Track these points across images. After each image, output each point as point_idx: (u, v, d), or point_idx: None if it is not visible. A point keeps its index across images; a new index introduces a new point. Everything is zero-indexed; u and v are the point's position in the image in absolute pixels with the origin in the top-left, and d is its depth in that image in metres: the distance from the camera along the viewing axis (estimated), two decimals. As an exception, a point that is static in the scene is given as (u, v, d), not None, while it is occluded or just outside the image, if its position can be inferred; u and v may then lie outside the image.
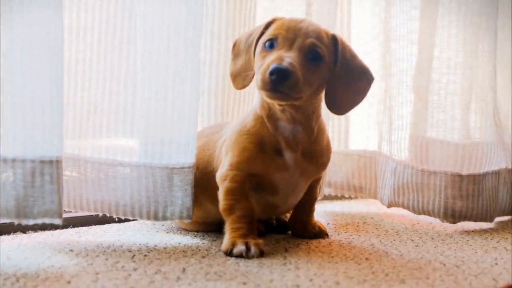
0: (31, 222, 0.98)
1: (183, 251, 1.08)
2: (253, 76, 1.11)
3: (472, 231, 1.39)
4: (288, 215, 1.30)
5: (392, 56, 1.49)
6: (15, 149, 0.97)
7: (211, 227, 1.24)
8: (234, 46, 1.17)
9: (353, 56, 1.13)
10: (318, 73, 1.07)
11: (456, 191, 1.39)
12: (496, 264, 1.06)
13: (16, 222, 0.98)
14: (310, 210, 1.25)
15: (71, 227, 1.25)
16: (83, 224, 1.27)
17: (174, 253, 1.06)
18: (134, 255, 1.03)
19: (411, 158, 1.46)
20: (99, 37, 1.17)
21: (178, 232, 1.25)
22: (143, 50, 1.14)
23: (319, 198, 1.37)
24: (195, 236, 1.22)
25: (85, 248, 1.07)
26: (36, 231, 1.19)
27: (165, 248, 1.10)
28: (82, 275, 0.90)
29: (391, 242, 1.22)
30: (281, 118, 1.11)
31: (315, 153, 1.14)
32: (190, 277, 0.91)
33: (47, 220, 0.99)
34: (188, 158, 1.15)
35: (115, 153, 1.16)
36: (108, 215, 1.16)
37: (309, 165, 1.14)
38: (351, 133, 1.68)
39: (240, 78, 1.14)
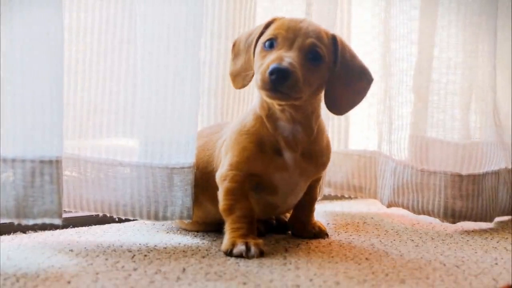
0: (31, 222, 0.98)
1: (183, 251, 1.08)
2: (253, 75, 1.11)
3: (472, 231, 1.39)
4: (288, 215, 1.30)
5: (392, 56, 1.49)
6: (15, 149, 0.97)
7: (211, 227, 1.24)
8: (233, 45, 1.17)
9: (353, 57, 1.13)
10: (318, 73, 1.07)
11: (456, 191, 1.39)
12: (496, 264, 1.06)
13: (16, 222, 0.98)
14: (310, 210, 1.25)
15: (71, 227, 1.25)
16: (83, 224, 1.27)
17: (174, 253, 1.06)
18: (134, 255, 1.03)
19: (411, 158, 1.46)
20: (99, 37, 1.17)
21: (178, 232, 1.26)
22: (143, 50, 1.14)
23: (319, 198, 1.37)
24: (195, 236, 1.22)
25: (85, 248, 1.07)
26: (36, 231, 1.19)
27: (165, 248, 1.10)
28: (82, 275, 0.90)
29: (391, 242, 1.22)
30: (280, 118, 1.11)
31: (314, 153, 1.14)
32: (190, 277, 0.91)
33: (47, 220, 0.99)
34: (188, 158, 1.15)
35: (115, 153, 1.16)
36: (108, 215, 1.16)
37: (308, 165, 1.14)
38: (351, 133, 1.68)
39: (240, 78, 1.14)
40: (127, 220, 1.29)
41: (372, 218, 1.50)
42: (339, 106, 1.14)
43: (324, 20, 1.41)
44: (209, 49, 1.35)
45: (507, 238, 1.31)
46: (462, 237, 1.30)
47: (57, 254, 1.02)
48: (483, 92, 1.47)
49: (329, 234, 1.26)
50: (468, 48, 1.45)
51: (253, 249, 1.04)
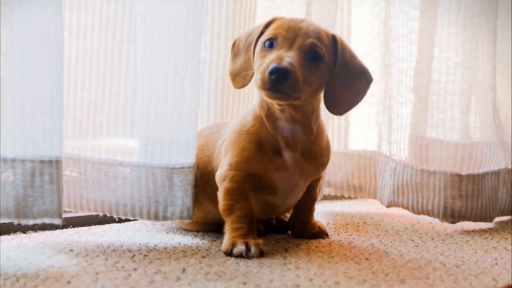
0: (31, 222, 0.98)
1: (183, 251, 1.08)
2: (253, 75, 1.11)
3: (472, 231, 1.39)
4: (288, 215, 1.30)
5: (392, 56, 1.49)
6: (15, 149, 0.97)
7: (211, 227, 1.24)
8: (233, 45, 1.17)
9: (353, 57, 1.13)
10: (317, 73, 1.07)
11: (455, 191, 1.39)
12: (496, 264, 1.06)
13: (16, 222, 0.98)
14: (310, 210, 1.25)
15: (71, 227, 1.25)
16: (83, 224, 1.27)
17: (174, 253, 1.06)
18: (134, 255, 1.03)
19: (411, 158, 1.46)
20: (99, 37, 1.17)
21: (178, 232, 1.26)
22: (143, 50, 1.14)
23: (319, 198, 1.37)
24: (195, 236, 1.22)
25: (85, 248, 1.07)
26: (36, 231, 1.19)
27: (165, 248, 1.10)
28: (82, 275, 0.90)
29: (391, 242, 1.22)
30: (280, 118, 1.11)
31: (314, 153, 1.14)
32: (190, 277, 0.91)
33: (47, 220, 0.99)
34: (188, 158, 1.15)
35: (115, 153, 1.16)
36: (108, 215, 1.16)
37: (308, 165, 1.14)
38: (350, 133, 1.68)
39: (240, 78, 1.14)
40: (127, 220, 1.29)
41: (372, 218, 1.50)
42: (339, 106, 1.14)
43: (324, 20, 1.42)
44: (209, 49, 1.35)
45: (507, 238, 1.31)
46: (462, 237, 1.30)
47: (57, 254, 1.02)
48: (483, 92, 1.47)
49: (329, 234, 1.26)
50: (468, 48, 1.45)
51: (253, 249, 1.04)
